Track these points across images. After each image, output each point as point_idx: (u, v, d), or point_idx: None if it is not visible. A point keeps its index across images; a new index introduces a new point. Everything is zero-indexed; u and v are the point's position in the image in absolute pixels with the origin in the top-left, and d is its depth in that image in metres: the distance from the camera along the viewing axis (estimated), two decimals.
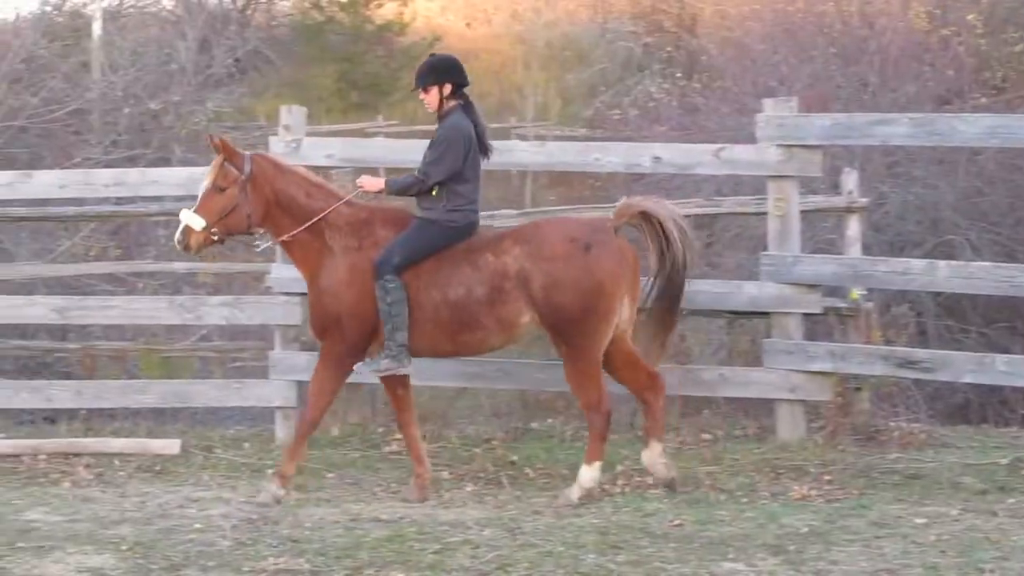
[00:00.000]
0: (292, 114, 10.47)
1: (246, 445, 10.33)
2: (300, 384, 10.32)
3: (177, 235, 8.66)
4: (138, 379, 11.85)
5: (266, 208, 8.71)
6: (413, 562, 7.41)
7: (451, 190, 8.64)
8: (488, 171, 8.97)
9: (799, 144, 9.84)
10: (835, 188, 10.84)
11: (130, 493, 9.03)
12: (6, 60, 16.35)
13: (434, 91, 8.75)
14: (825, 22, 18.56)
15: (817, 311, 9.97)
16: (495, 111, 32.23)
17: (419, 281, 8.58)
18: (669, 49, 27.81)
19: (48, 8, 19.90)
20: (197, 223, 8.58)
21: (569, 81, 32.09)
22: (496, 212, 10.43)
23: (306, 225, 8.71)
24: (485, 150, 8.83)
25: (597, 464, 8.60)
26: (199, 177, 10.30)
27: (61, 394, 10.58)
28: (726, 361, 11.04)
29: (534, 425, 10.70)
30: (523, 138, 24.24)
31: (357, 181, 8.97)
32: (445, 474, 9.41)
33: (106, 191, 10.76)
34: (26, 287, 12.57)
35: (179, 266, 12.59)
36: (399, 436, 9.69)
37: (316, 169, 10.22)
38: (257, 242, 9.12)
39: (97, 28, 20.54)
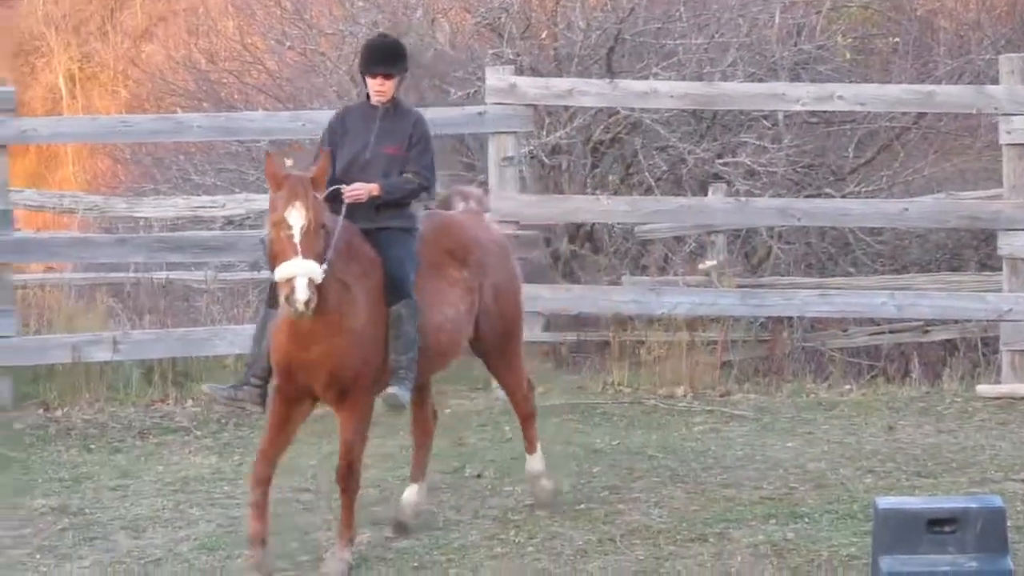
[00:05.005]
0: None
1: None
2: None
3: (304, 295, 6.58)
4: None
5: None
6: None
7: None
8: None
9: None
10: None
11: None
12: None
13: (397, 79, 7.38)
14: None
15: None
16: None
17: (421, 301, 7.26)
18: None
19: None
20: (318, 273, 6.68)
21: None
22: None
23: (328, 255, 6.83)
24: None
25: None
26: None
27: None
28: None
29: None
30: None
31: (347, 191, 7.17)
32: None
33: None
34: None
35: None
36: None
37: None
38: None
39: None
